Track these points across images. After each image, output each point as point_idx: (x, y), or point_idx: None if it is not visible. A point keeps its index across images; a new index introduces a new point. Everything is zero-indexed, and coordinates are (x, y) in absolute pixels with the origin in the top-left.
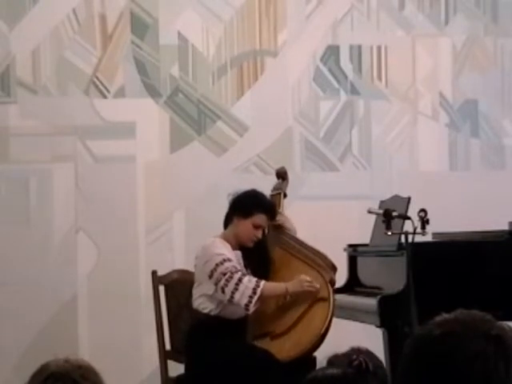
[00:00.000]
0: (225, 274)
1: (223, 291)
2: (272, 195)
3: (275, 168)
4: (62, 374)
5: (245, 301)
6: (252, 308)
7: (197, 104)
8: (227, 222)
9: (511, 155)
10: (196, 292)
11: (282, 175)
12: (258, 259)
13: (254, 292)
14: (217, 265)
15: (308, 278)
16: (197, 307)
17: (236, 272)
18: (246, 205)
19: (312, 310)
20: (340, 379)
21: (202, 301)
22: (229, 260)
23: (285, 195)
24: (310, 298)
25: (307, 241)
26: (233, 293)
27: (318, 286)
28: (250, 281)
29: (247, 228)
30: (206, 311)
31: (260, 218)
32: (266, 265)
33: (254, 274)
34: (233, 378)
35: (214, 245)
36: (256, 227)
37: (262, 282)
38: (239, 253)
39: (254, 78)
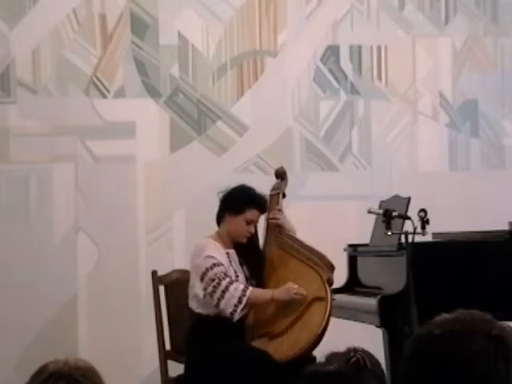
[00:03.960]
0: (213, 280)
1: (211, 297)
2: (271, 195)
3: (275, 168)
4: (63, 373)
5: (230, 310)
6: (237, 316)
7: (197, 104)
8: (219, 219)
9: (511, 155)
10: (190, 292)
11: (281, 175)
12: (251, 255)
13: (240, 301)
14: (207, 269)
15: (295, 286)
16: (191, 307)
17: (224, 278)
18: (236, 202)
19: (309, 310)
20: (341, 374)
21: (195, 303)
22: (218, 265)
23: (284, 195)
24: (299, 305)
25: (307, 241)
26: (219, 300)
27: (304, 293)
28: (236, 289)
29: (240, 225)
30: (198, 312)
31: (252, 214)
32: (259, 260)
33: (250, 271)
34: (232, 378)
35: (206, 247)
36: (248, 223)
37: (249, 291)
38: (233, 251)
39: (254, 78)
